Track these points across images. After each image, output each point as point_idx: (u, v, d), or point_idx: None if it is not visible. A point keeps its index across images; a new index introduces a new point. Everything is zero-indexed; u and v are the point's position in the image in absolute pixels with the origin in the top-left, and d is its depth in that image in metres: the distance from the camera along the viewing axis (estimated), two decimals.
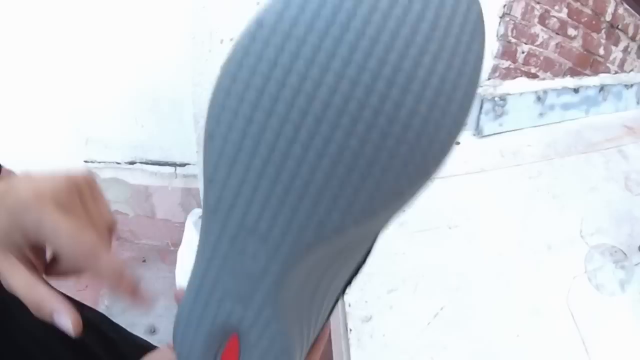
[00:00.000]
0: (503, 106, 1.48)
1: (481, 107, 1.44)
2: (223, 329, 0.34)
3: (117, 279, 0.38)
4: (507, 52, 1.52)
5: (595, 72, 1.82)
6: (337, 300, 0.38)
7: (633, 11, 1.90)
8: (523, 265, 1.23)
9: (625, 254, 1.45)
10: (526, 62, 1.58)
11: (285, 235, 0.30)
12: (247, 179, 0.30)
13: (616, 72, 1.90)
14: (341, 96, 0.27)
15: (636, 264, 1.43)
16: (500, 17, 1.51)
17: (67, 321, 0.36)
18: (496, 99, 1.46)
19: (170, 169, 1.90)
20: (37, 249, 0.39)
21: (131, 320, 1.87)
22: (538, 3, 1.57)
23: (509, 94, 1.50)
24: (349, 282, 0.38)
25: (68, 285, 0.61)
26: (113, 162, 1.97)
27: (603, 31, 1.81)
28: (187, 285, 0.35)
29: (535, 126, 1.59)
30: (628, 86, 1.89)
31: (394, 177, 0.28)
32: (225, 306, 0.33)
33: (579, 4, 1.69)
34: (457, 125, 0.29)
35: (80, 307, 0.64)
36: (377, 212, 0.29)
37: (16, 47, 1.70)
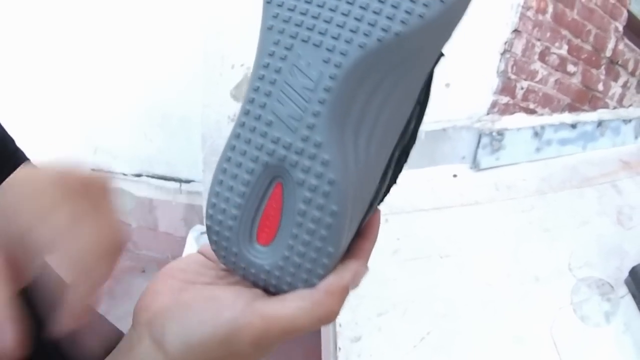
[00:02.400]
0: (500, 141, 1.60)
1: (479, 142, 1.57)
2: (266, 170, 0.34)
3: (75, 317, 0.34)
4: (507, 88, 1.65)
5: (594, 108, 1.94)
6: (390, 169, 0.38)
7: (634, 46, 2.03)
8: (510, 296, 1.35)
9: (612, 286, 1.56)
10: (525, 98, 1.71)
11: (337, 39, 0.33)
12: None
13: (615, 107, 2.03)
14: None
15: (622, 297, 1.54)
16: (501, 54, 1.64)
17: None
18: (494, 133, 1.59)
19: (176, 185, 2.03)
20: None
21: (127, 328, 1.97)
22: (539, 40, 1.70)
23: (506, 129, 1.62)
24: (403, 151, 0.39)
25: None
26: (120, 173, 2.11)
27: (603, 67, 1.94)
28: (233, 125, 0.36)
29: (531, 161, 1.71)
30: (626, 121, 2.01)
31: None
32: (273, 135, 0.34)
33: (579, 40, 1.82)
34: None
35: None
36: (415, 17, 0.32)
37: (38, 57, 1.85)
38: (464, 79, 1.54)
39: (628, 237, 1.71)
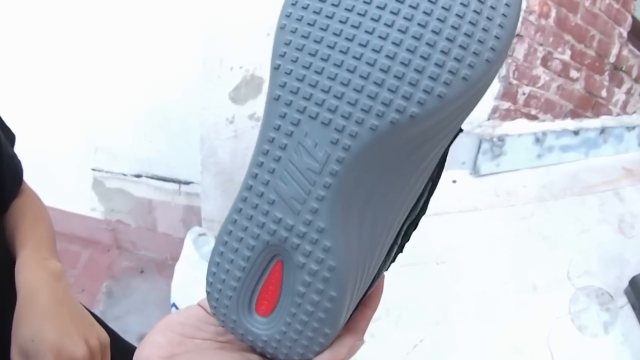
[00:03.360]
0: (501, 147, 1.60)
1: (479, 147, 1.57)
2: (266, 248, 0.34)
3: None
4: (508, 93, 1.65)
5: (597, 114, 1.94)
6: (396, 244, 0.37)
7: (638, 52, 2.03)
8: (506, 304, 1.35)
9: (611, 296, 1.56)
10: (527, 104, 1.71)
11: (348, 118, 0.31)
12: (312, 64, 0.32)
13: (618, 114, 2.02)
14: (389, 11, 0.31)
15: (621, 307, 1.54)
16: None
17: None
18: (494, 139, 1.59)
19: (175, 186, 2.04)
20: None
21: (124, 327, 1.99)
22: (541, 45, 1.70)
23: (507, 135, 1.62)
24: (412, 223, 0.38)
25: None
26: (120, 173, 2.11)
27: (606, 73, 1.93)
28: (235, 198, 0.35)
29: (532, 167, 1.72)
30: (630, 128, 2.01)
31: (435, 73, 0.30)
32: (274, 215, 0.33)
33: (582, 45, 1.82)
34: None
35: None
36: (434, 98, 0.30)
37: (40, 59, 1.87)
38: None
39: (629, 245, 1.71)
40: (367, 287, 0.36)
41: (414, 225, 0.38)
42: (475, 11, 0.30)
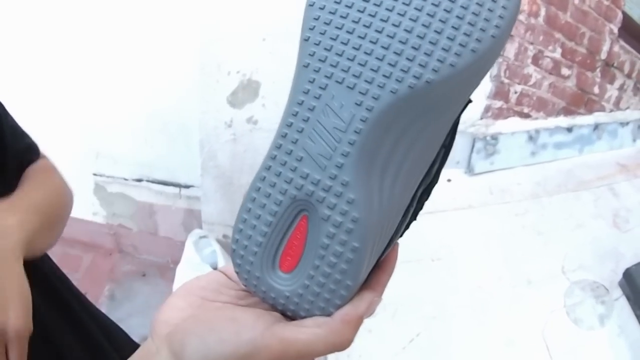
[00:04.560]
0: (495, 145, 1.65)
1: (473, 146, 1.62)
2: (293, 203, 0.37)
3: None
4: (500, 92, 1.69)
5: (590, 111, 1.99)
6: (412, 207, 0.41)
7: (630, 48, 2.07)
8: (501, 299, 1.40)
9: (607, 289, 1.60)
10: (519, 102, 1.76)
11: (371, 83, 0.35)
12: (339, 36, 0.36)
13: (611, 110, 2.07)
14: None
15: (616, 299, 1.58)
16: None
17: None
18: (488, 138, 1.64)
19: (175, 190, 2.09)
20: None
21: (127, 330, 2.03)
22: (532, 44, 1.75)
23: (500, 134, 1.67)
24: (426, 190, 0.41)
25: None
26: (121, 178, 2.17)
27: (598, 69, 1.98)
28: (264, 158, 0.39)
29: (527, 165, 1.76)
30: (624, 124, 2.06)
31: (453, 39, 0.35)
32: (302, 171, 0.37)
33: (573, 43, 1.86)
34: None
35: (83, 300, 0.81)
36: (446, 66, 0.34)
37: (41, 64, 1.92)
38: None
39: (624, 239, 1.75)
40: (384, 247, 0.39)
41: (427, 192, 0.41)
42: None
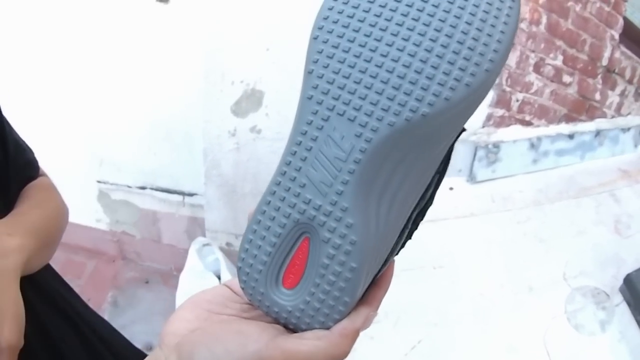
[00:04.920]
0: (496, 153, 1.67)
1: (475, 154, 1.64)
2: (296, 226, 0.40)
3: None
4: (502, 100, 1.71)
5: (591, 117, 2.00)
6: (407, 229, 0.43)
7: (631, 53, 2.09)
8: (503, 305, 1.41)
9: (608, 295, 1.61)
10: (520, 110, 1.78)
11: (370, 116, 0.37)
12: (341, 70, 0.39)
13: (613, 117, 2.09)
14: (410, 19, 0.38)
15: (617, 305, 1.59)
16: None
17: None
18: (490, 146, 1.66)
19: (179, 197, 2.12)
20: None
21: (129, 336, 2.05)
22: (533, 51, 1.77)
23: (502, 142, 1.69)
24: (421, 212, 0.44)
25: None
26: (124, 185, 2.19)
27: (599, 76, 2.00)
28: (269, 183, 0.41)
29: (528, 172, 1.78)
30: (625, 130, 2.07)
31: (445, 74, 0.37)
32: (305, 197, 0.39)
33: (574, 50, 1.88)
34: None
35: (91, 318, 0.83)
36: (441, 100, 0.37)
37: (46, 71, 1.95)
38: None
39: (625, 245, 1.76)
40: (380, 266, 0.42)
41: (421, 214, 0.44)
42: (477, 29, 0.37)
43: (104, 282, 2.40)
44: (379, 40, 0.38)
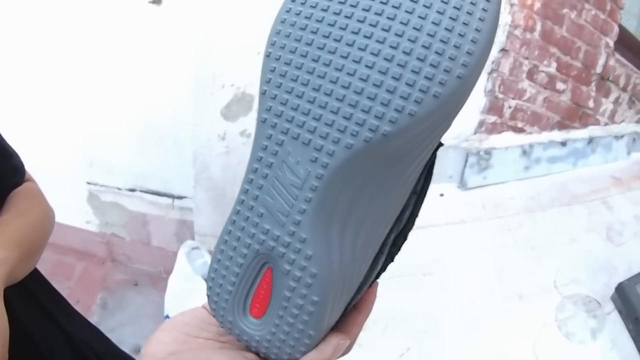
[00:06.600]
0: (488, 160, 1.68)
1: (466, 161, 1.65)
2: (257, 256, 0.38)
3: None
4: (494, 107, 1.73)
5: (584, 125, 2.02)
6: (382, 254, 0.41)
7: (626, 61, 2.10)
8: (493, 313, 1.42)
9: (599, 303, 1.63)
10: (513, 117, 1.79)
11: (325, 138, 0.34)
12: (294, 89, 0.35)
13: (606, 124, 2.10)
14: (363, 35, 0.34)
15: (608, 313, 1.61)
16: (488, 74, 1.73)
17: None
18: (481, 153, 1.67)
19: (168, 200, 2.12)
20: None
21: (119, 339, 2.04)
22: (527, 58, 1.78)
23: (494, 148, 1.70)
24: (401, 233, 0.41)
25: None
26: (114, 187, 2.19)
27: (593, 83, 2.01)
28: (230, 211, 0.40)
29: (520, 179, 1.79)
30: (618, 137, 2.09)
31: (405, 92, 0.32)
32: (263, 227, 0.37)
33: (568, 57, 1.90)
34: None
35: (73, 318, 0.83)
36: (405, 116, 0.33)
37: (36, 73, 1.95)
38: None
39: (617, 253, 1.78)
40: (354, 293, 0.40)
41: (402, 236, 0.41)
42: (446, 29, 0.32)
43: (94, 284, 2.39)
44: (332, 53, 0.35)
